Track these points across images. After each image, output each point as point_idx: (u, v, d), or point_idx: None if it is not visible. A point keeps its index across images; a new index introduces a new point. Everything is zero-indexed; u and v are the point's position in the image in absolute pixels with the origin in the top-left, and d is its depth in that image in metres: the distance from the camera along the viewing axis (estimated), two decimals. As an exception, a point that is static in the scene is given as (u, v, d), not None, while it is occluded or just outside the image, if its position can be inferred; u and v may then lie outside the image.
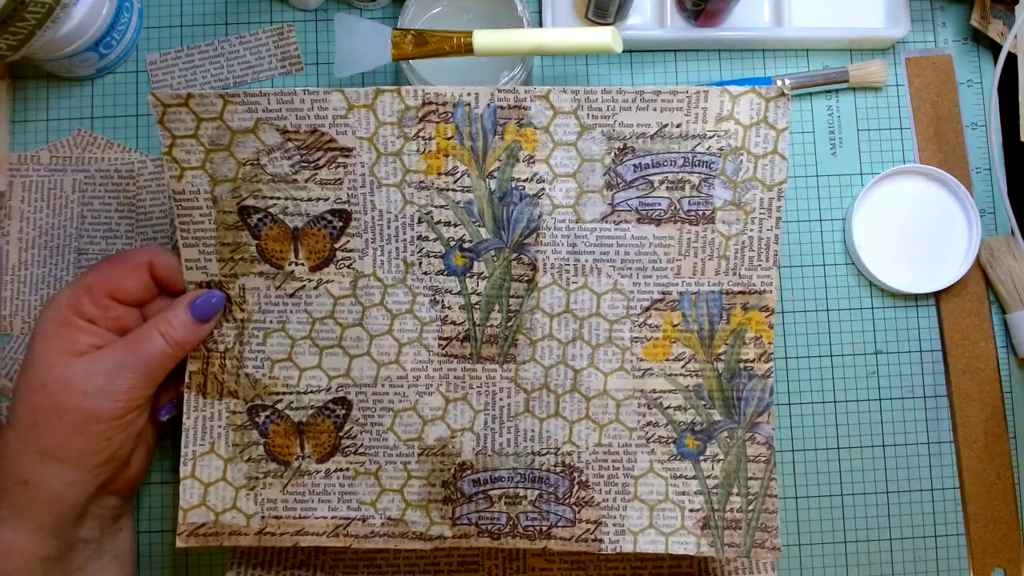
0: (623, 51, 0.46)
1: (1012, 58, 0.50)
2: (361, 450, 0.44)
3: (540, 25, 0.52)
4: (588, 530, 0.44)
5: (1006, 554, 0.50)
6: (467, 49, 0.44)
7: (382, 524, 0.44)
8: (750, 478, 0.44)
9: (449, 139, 0.43)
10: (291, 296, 0.44)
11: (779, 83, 0.52)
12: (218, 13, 0.53)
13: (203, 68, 0.52)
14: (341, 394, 0.44)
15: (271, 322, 0.44)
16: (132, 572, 0.47)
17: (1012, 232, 0.51)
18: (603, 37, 0.44)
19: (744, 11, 0.52)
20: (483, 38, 0.44)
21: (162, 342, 0.42)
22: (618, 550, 0.44)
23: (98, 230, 0.51)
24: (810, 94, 0.53)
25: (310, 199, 0.43)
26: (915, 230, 0.52)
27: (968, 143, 0.53)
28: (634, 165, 0.43)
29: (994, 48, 0.54)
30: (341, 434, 0.44)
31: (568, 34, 0.44)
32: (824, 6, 0.53)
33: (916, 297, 0.52)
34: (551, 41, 0.44)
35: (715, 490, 0.44)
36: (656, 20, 0.53)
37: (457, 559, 0.48)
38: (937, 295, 0.52)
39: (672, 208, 0.43)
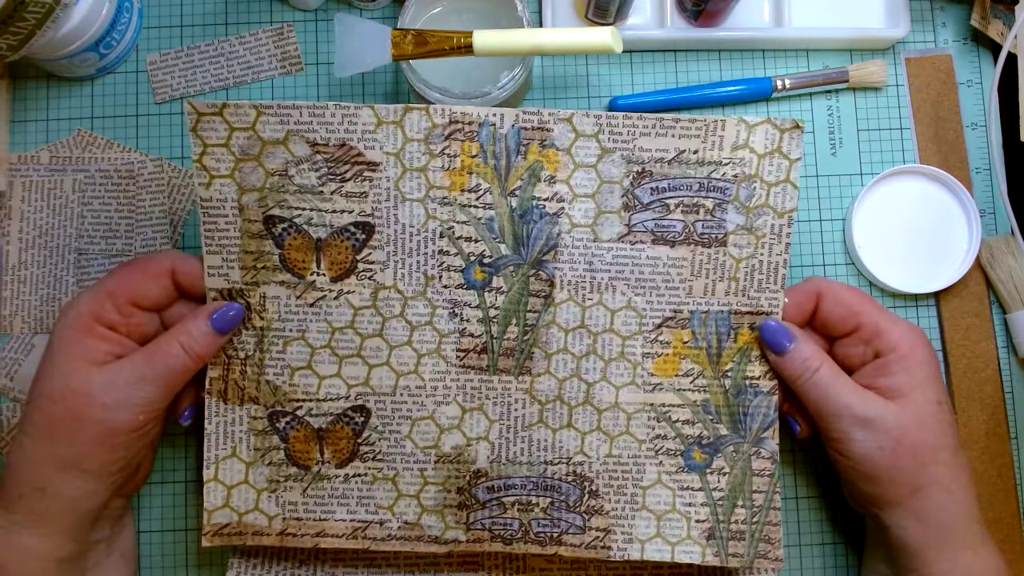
0: (623, 51, 0.46)
1: (1012, 58, 0.50)
2: (379, 456, 0.45)
3: (540, 25, 0.52)
4: (597, 537, 0.45)
5: (1006, 554, 0.50)
6: (467, 49, 0.44)
7: (399, 528, 0.45)
8: (755, 491, 0.45)
9: (474, 157, 0.43)
10: (311, 305, 0.44)
11: (779, 83, 0.52)
12: (218, 13, 0.53)
13: (203, 68, 0.52)
14: (360, 402, 0.45)
15: (291, 331, 0.44)
16: (135, 568, 0.47)
17: (1012, 232, 0.50)
18: (603, 37, 0.44)
19: (744, 11, 0.52)
20: (483, 38, 0.44)
21: (183, 354, 0.42)
22: (626, 558, 0.45)
23: (98, 230, 0.51)
24: (810, 94, 0.53)
25: (335, 211, 0.43)
26: (915, 230, 0.52)
27: (968, 143, 0.53)
28: (651, 188, 0.44)
29: (994, 48, 0.54)
30: (360, 440, 0.45)
31: (568, 34, 0.44)
32: (824, 6, 0.53)
33: (916, 297, 0.52)
34: (551, 41, 0.44)
35: (720, 502, 0.45)
36: (656, 20, 0.53)
37: (457, 559, 0.48)
38: (937, 295, 0.52)
39: (687, 231, 0.44)
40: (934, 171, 0.51)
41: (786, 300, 0.45)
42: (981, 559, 0.42)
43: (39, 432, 0.41)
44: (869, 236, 0.51)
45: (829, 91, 0.53)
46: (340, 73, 0.46)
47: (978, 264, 0.52)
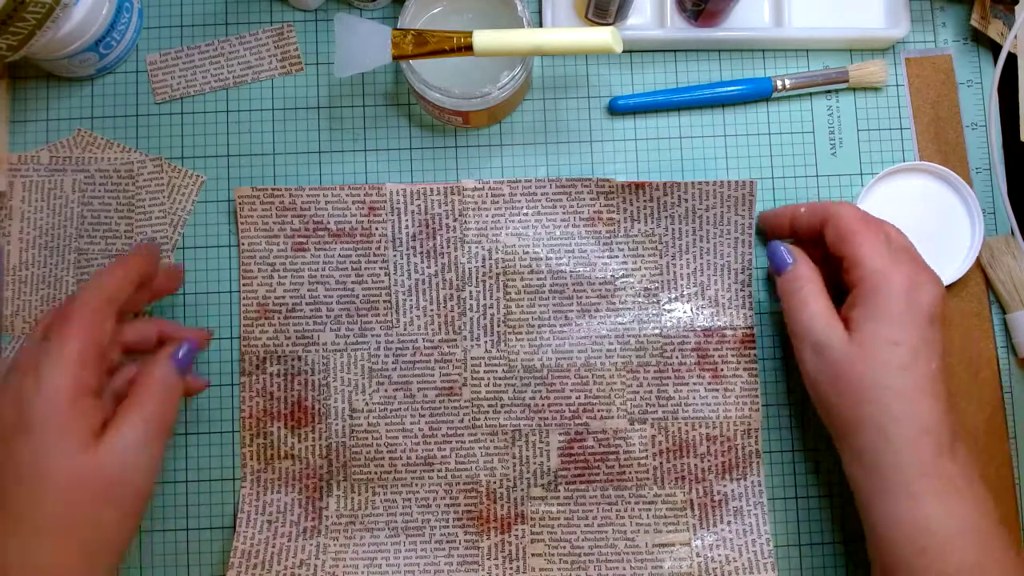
0: (623, 51, 0.46)
1: (1012, 58, 0.50)
2: None
3: (540, 25, 0.52)
4: None
5: (1006, 554, 0.50)
6: (467, 49, 0.44)
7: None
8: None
9: None
10: None
11: (779, 83, 0.52)
12: (218, 13, 0.53)
13: (203, 68, 0.52)
14: None
15: None
16: None
17: (1012, 232, 0.51)
18: (603, 37, 0.44)
19: (744, 11, 0.52)
20: (483, 38, 0.44)
21: (172, 409, 0.42)
22: None
23: (98, 230, 0.51)
24: (810, 94, 0.53)
25: None
26: (917, 229, 0.51)
27: (968, 143, 0.53)
28: None
29: (994, 48, 0.54)
30: None
31: (568, 34, 0.44)
32: (824, 6, 0.53)
33: (916, 297, 0.52)
34: (551, 41, 0.44)
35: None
36: (656, 20, 0.53)
37: (457, 559, 0.48)
38: (937, 295, 0.52)
39: None
40: (936, 167, 0.51)
41: (803, 211, 0.47)
42: (924, 513, 0.40)
43: (53, 525, 0.37)
44: (869, 236, 0.51)
45: (829, 91, 0.53)
46: (340, 73, 0.46)
47: (978, 264, 0.52)
